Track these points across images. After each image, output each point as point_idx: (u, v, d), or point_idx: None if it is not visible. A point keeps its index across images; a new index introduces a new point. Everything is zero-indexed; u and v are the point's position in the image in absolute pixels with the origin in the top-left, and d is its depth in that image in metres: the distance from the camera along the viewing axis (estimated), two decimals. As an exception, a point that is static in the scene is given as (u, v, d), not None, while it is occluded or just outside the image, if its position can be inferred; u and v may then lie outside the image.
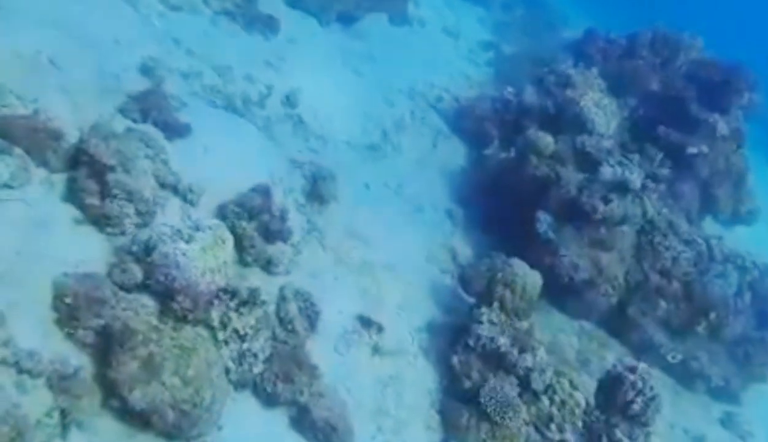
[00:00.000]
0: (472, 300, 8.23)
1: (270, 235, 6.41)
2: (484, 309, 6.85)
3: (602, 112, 10.68)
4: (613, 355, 8.91)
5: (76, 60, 6.32)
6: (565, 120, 10.73)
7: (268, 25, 10.53)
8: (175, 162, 6.20)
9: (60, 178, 5.41)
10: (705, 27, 13.35)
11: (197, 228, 5.31)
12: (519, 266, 7.10)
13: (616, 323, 9.19)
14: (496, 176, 10.41)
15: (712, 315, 9.18)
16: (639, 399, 6.01)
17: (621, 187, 8.32)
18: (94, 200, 5.32)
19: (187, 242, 5.18)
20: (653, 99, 11.26)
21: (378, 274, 7.60)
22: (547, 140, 9.49)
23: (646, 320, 9.10)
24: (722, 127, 10.65)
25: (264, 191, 6.46)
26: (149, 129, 6.27)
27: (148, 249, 5.10)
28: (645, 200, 8.53)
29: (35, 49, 5.99)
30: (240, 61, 9.21)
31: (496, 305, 6.95)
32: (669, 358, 8.96)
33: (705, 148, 10.30)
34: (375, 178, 9.42)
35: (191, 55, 8.39)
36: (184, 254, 5.08)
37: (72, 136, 5.54)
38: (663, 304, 9.11)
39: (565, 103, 10.72)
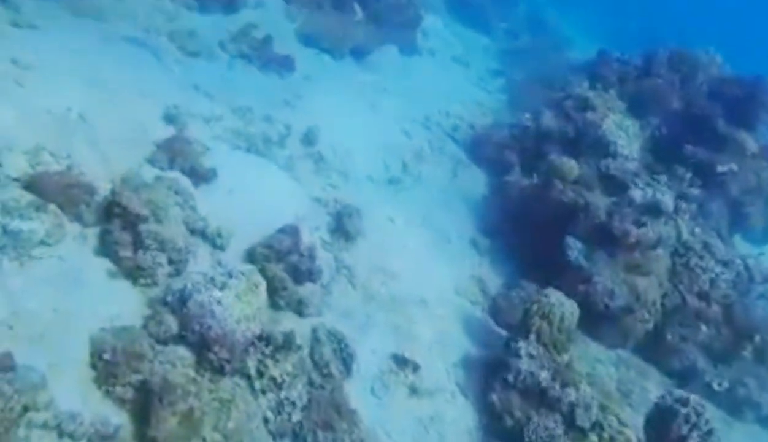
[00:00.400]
0: (505, 333, 8.17)
1: (300, 275, 6.39)
2: (521, 342, 6.72)
3: (624, 133, 10.64)
4: (653, 384, 8.71)
5: (104, 113, 6.43)
6: (586, 143, 10.71)
7: (283, 64, 10.72)
8: (202, 207, 6.23)
9: (93, 233, 5.45)
10: (708, 42, 13.45)
11: (230, 275, 5.30)
12: (555, 296, 6.99)
13: (654, 350, 8.96)
14: (519, 203, 10.34)
15: (757, 338, 8.95)
16: (695, 434, 5.79)
17: (653, 210, 8.21)
18: (127, 252, 5.34)
19: (221, 289, 5.16)
20: (676, 118, 11.19)
21: (409, 309, 7.52)
22: (570, 165, 9.45)
23: (686, 346, 8.88)
24: (751, 144, 10.55)
25: (292, 231, 6.46)
26: (177, 176, 6.33)
27: (183, 299, 5.08)
28: (679, 222, 8.39)
29: (65, 106, 6.12)
30: (258, 101, 9.36)
31: (533, 337, 6.83)
32: (715, 385, 8.69)
33: (734, 166, 10.18)
34: (399, 211, 9.39)
35: (211, 98, 8.53)
36: (219, 302, 5.05)
37: (104, 190, 5.60)
38: (704, 328, 8.89)
39: (585, 126, 10.71)
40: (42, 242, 5.03)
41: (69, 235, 5.28)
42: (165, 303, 5.17)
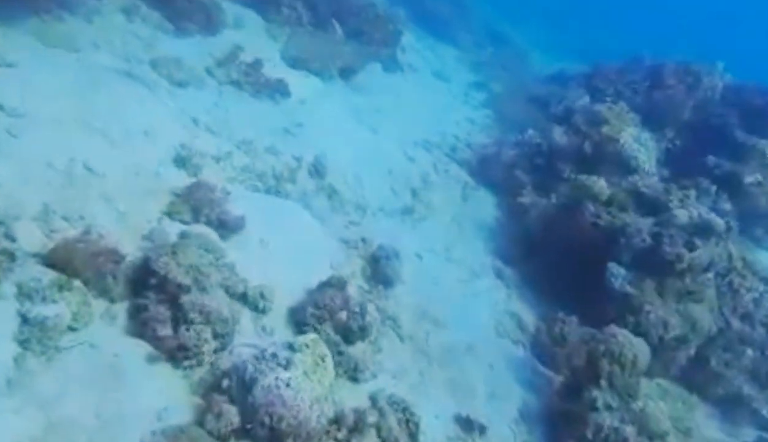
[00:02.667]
0: (552, 373, 7.83)
1: (351, 335, 5.84)
2: (595, 391, 6.34)
3: (643, 147, 10.57)
4: (702, 416, 8.52)
5: (111, 161, 5.73)
6: (603, 160, 10.58)
7: (277, 89, 10.16)
8: (238, 264, 5.61)
9: (122, 308, 4.75)
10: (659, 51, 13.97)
11: (292, 348, 4.69)
12: (623, 335, 6.67)
13: (696, 377, 8.76)
14: (541, 227, 10.08)
15: None
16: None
17: (703, 230, 8.02)
18: (167, 330, 4.66)
19: (287, 368, 4.56)
20: (690, 129, 11.25)
21: (460, 360, 7.08)
22: (600, 184, 9.24)
23: (730, 371, 8.72)
24: (773, 153, 10.66)
25: (339, 285, 5.91)
26: (204, 230, 5.68)
27: (245, 384, 4.45)
28: (728, 242, 8.25)
29: (68, 156, 5.39)
30: (258, 131, 8.82)
31: (604, 383, 6.47)
32: (765, 413, 8.54)
33: (760, 176, 10.23)
34: (420, 244, 9.00)
35: (213, 133, 7.91)
36: (288, 385, 4.45)
37: (129, 254, 4.91)
38: (749, 352, 8.75)
39: (603, 141, 10.57)
40: (69, 328, 4.32)
41: (96, 314, 4.57)
42: (221, 390, 4.52)
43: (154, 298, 4.69)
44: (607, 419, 6.10)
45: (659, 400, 8.50)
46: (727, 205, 9.70)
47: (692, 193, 9.77)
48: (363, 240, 7.59)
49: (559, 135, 11.25)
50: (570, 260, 9.15)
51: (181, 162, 6.44)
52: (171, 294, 4.68)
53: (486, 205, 11.06)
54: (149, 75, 8.65)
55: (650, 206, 9.15)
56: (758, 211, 10.06)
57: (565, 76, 15.88)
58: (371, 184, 9.60)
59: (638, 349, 6.55)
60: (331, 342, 5.51)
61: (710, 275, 8.20)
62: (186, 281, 4.69)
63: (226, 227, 5.83)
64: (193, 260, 4.83)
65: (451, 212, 10.39)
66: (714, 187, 10.06)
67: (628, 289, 8.22)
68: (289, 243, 6.44)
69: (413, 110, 12.94)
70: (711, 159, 10.34)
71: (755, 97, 11.15)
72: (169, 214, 5.66)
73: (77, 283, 4.46)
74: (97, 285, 4.62)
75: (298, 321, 5.63)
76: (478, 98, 15.67)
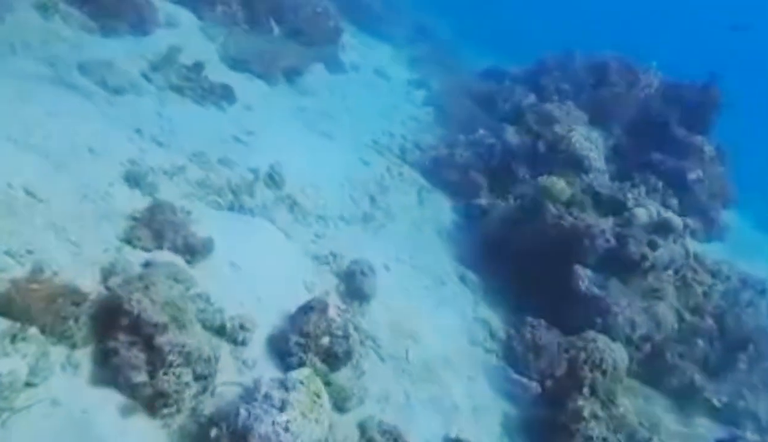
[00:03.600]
0: (527, 380, 7.79)
1: (336, 362, 5.49)
2: (580, 401, 6.29)
3: (594, 146, 10.78)
4: (660, 409, 8.74)
5: (55, 184, 5.09)
6: (557, 159, 10.72)
7: (222, 95, 9.60)
8: (211, 293, 5.13)
9: (84, 355, 4.18)
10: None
11: (285, 386, 4.30)
12: (602, 341, 6.69)
13: (651, 371, 8.96)
14: (501, 229, 10.06)
15: (751, 347, 9.28)
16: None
17: (663, 229, 8.23)
18: (142, 376, 4.15)
19: (282, 409, 4.17)
20: (633, 126, 11.59)
21: (440, 375, 6.90)
22: (561, 185, 9.30)
23: (685, 364, 8.97)
24: (709, 148, 11.17)
25: (320, 308, 5.54)
26: (169, 257, 5.16)
27: (238, 432, 4.02)
28: (686, 239, 8.51)
29: (3, 181, 4.72)
30: (208, 142, 8.27)
31: (587, 391, 6.45)
32: (715, 402, 8.85)
33: (701, 173, 10.68)
34: (384, 254, 8.74)
35: (161, 146, 7.30)
36: (286, 429, 4.06)
37: (90, 292, 4.34)
38: (700, 343, 9.04)
39: (556, 141, 10.71)
40: (27, 384, 3.74)
41: (56, 364, 4.00)
42: (209, 440, 4.07)
43: (125, 340, 4.16)
44: (596, 430, 6.07)
45: (623, 397, 8.72)
46: (674, 202, 10.04)
47: (642, 190, 10.07)
48: (333, 255, 7.24)
49: (512, 135, 11.30)
50: (533, 263, 9.17)
51: (133, 180, 5.84)
52: (145, 335, 4.17)
53: (443, 209, 11.00)
54: (80, 81, 7.91)
55: (608, 206, 9.31)
56: (698, 206, 10.46)
57: (500, 72, 16.17)
58: (329, 193, 9.27)
59: (618, 355, 6.58)
60: (320, 373, 5.14)
61: (670, 272, 8.44)
62: (162, 319, 4.19)
63: (193, 251, 5.33)
64: (167, 295, 4.33)
65: (410, 217, 10.24)
66: (660, 184, 10.41)
67: (596, 291, 8.31)
68: (259, 264, 6.00)
69: (360, 111, 12.87)
70: (656, 156, 10.70)
71: (693, 94, 11.65)
72: (129, 241, 5.09)
73: (33, 330, 3.87)
74: (56, 331, 4.04)
75: (281, 351, 5.23)
76: (419, 96, 15.74)
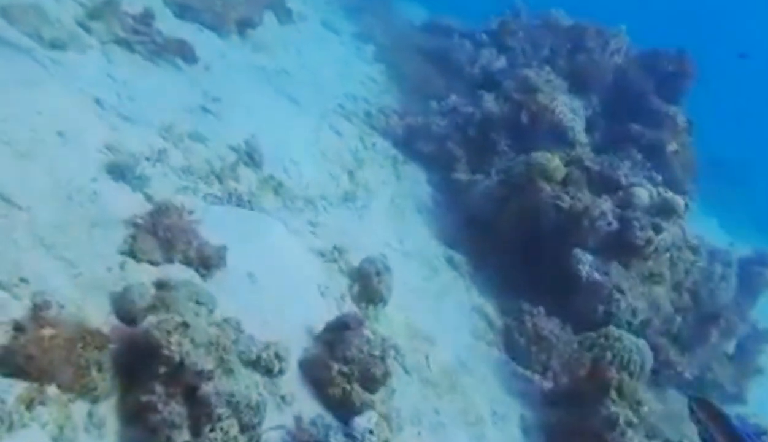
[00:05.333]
0: (529, 373, 7.66)
1: (373, 385, 4.96)
2: (612, 406, 6.12)
3: (577, 117, 10.61)
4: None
5: (29, 182, 4.10)
6: (540, 132, 10.47)
7: (179, 53, 8.47)
8: (233, 312, 4.41)
9: (109, 409, 3.40)
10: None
11: (353, 437, 3.75)
12: (628, 339, 6.54)
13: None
14: (486, 208, 9.72)
15: (722, 322, 9.66)
16: None
17: (665, 211, 8.19)
18: (183, 436, 3.44)
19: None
20: (611, 95, 11.50)
21: (460, 381, 6.56)
22: (555, 163, 9.03)
23: (662, 341, 9.15)
24: (681, 119, 11.32)
25: (356, 324, 4.96)
26: (181, 272, 4.36)
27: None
28: (683, 220, 8.53)
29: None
30: (174, 112, 7.29)
31: (614, 394, 6.30)
32: (687, 375, 9.12)
33: (676, 145, 10.81)
34: (374, 239, 8.21)
35: (127, 120, 6.22)
36: (368, 489, 3.54)
37: (107, 331, 3.52)
38: (678, 319, 9.21)
39: (539, 111, 10.41)
40: (52, 465, 2.96)
41: (80, 427, 3.21)
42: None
43: (162, 392, 3.42)
44: (634, 440, 5.94)
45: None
46: (659, 177, 10.10)
47: (627, 164, 10.07)
48: (337, 250, 6.59)
49: (491, 103, 10.89)
50: (525, 245, 8.95)
51: (118, 172, 4.87)
52: (186, 385, 3.45)
53: (420, 183, 10.59)
54: (8, 32, 6.60)
55: (599, 183, 9.18)
56: (675, 179, 10.58)
57: (444, 27, 15.66)
58: (309, 170, 8.57)
59: (645, 354, 6.48)
60: (365, 405, 4.60)
61: (668, 254, 8.50)
62: (209, 365, 3.47)
63: (207, 263, 4.54)
64: (208, 333, 3.60)
65: (389, 193, 9.74)
66: (639, 156, 10.45)
67: (597, 277, 8.21)
68: (272, 270, 5.27)
69: (317, 70, 12.12)
70: (635, 128, 10.69)
71: (667, 63, 11.70)
72: (132, 253, 4.22)
73: (52, 390, 3.06)
74: (76, 385, 3.23)
75: (318, 380, 4.61)
76: (368, 51, 15.03)
